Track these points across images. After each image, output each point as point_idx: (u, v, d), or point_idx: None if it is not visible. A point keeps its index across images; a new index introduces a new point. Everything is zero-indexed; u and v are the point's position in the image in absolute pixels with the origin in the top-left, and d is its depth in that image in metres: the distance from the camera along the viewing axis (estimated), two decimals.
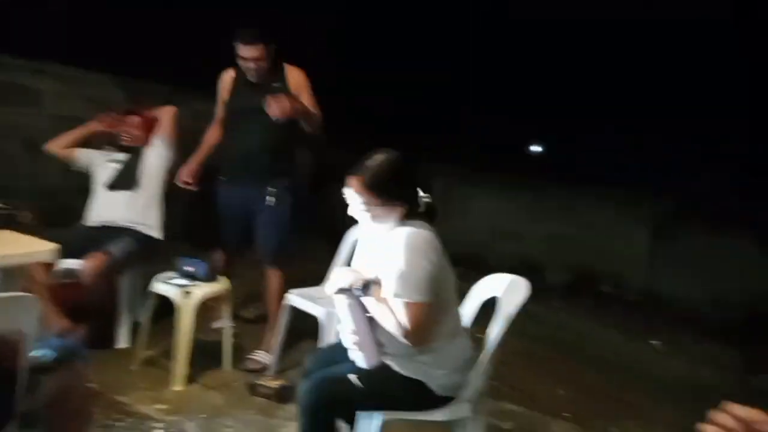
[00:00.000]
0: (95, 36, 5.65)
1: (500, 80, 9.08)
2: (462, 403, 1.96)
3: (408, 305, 1.79)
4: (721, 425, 0.78)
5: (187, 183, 3.13)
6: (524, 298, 2.06)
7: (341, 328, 1.97)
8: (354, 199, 1.93)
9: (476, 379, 1.97)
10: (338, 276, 1.92)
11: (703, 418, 0.81)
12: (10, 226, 2.38)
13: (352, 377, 1.87)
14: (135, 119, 3.31)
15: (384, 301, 1.84)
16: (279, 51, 3.02)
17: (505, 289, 2.13)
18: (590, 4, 8.16)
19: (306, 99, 3.01)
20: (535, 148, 12.41)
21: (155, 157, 3.26)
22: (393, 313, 1.82)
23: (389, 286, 1.82)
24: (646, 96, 8.30)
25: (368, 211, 1.92)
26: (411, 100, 8.34)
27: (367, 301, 1.87)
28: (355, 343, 1.91)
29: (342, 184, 1.95)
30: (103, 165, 3.26)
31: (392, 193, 1.90)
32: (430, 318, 1.84)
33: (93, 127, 3.34)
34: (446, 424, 1.99)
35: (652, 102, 8.28)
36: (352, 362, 1.93)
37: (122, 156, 3.27)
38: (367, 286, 1.86)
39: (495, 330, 2.05)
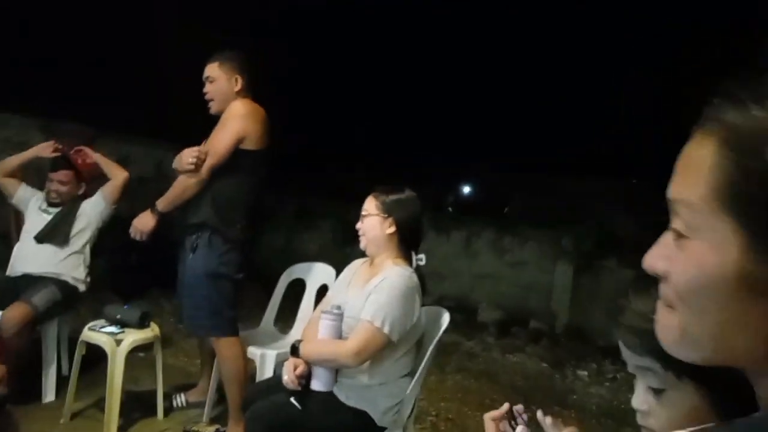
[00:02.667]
0: (14, 76, 5.58)
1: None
2: (395, 430, 2.04)
3: (371, 330, 1.92)
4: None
5: (142, 237, 2.69)
6: (445, 327, 2.18)
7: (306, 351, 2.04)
8: (371, 217, 2.09)
9: (407, 404, 2.06)
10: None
11: None
12: None
13: (292, 400, 1.94)
14: (65, 174, 3.16)
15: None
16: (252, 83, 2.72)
17: (426, 320, 2.23)
18: None
19: (214, 137, 2.60)
20: (465, 190, 12.92)
21: (91, 212, 3.17)
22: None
23: (367, 309, 1.95)
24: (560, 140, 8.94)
25: (377, 234, 2.07)
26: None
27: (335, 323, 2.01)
28: (324, 362, 2.00)
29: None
30: (36, 212, 3.15)
31: (406, 228, 2.09)
32: (379, 351, 1.96)
33: (39, 150, 3.21)
34: None
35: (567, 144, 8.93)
36: (289, 393, 1.99)
37: (55, 209, 3.15)
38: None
39: (422, 359, 2.15)
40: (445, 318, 2.22)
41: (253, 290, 4.09)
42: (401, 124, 9.77)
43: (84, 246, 3.18)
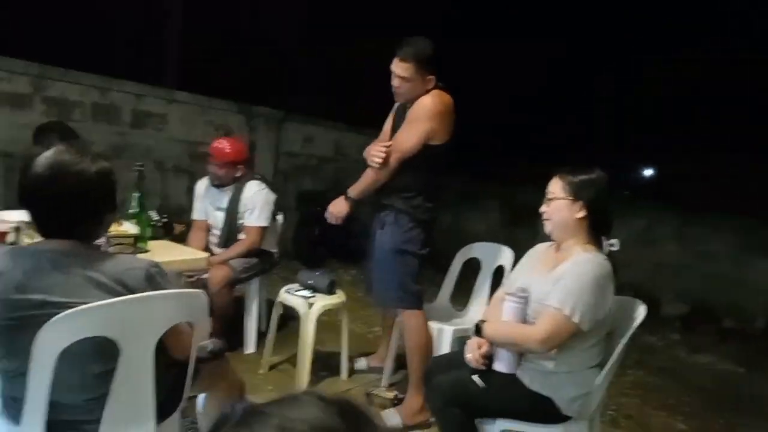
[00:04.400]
0: (218, 67, 6.38)
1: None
2: (580, 421, 1.98)
3: (559, 318, 1.86)
4: None
5: (338, 221, 2.79)
6: (640, 321, 2.03)
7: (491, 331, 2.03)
8: (557, 200, 1.99)
9: (595, 396, 1.98)
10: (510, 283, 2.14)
11: None
12: (167, 236, 2.70)
13: (476, 378, 1.97)
14: (212, 166, 3.27)
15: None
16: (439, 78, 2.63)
17: (618, 311, 2.08)
18: None
19: (403, 133, 2.65)
20: (647, 173, 11.89)
21: (257, 195, 3.31)
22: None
23: (555, 295, 1.88)
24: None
25: (565, 218, 1.97)
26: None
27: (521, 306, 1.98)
28: (510, 344, 1.99)
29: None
30: (211, 212, 3.40)
31: (596, 212, 1.97)
32: (568, 339, 1.89)
33: None
34: None
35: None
36: (471, 370, 2.02)
37: (215, 189, 3.34)
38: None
39: (612, 351, 2.04)
40: (641, 311, 2.07)
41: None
42: (569, 106, 9.31)
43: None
